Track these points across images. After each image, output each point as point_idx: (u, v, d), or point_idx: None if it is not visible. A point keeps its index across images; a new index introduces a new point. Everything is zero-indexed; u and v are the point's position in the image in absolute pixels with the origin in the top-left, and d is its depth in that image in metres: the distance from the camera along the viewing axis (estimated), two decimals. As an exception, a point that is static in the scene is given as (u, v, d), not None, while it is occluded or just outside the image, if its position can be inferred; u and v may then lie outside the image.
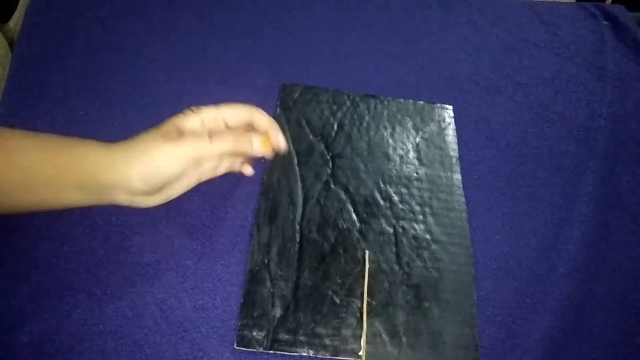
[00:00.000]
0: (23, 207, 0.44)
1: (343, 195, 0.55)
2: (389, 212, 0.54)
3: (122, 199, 0.41)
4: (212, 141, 0.40)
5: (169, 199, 0.44)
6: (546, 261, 0.54)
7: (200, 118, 0.42)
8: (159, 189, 0.42)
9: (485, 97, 0.67)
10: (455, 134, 0.62)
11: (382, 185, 0.56)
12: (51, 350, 0.42)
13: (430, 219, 0.54)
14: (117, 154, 0.40)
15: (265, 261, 0.49)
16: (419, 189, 0.56)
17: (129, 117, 0.56)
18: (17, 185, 0.40)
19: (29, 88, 0.57)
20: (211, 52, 0.64)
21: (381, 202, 0.55)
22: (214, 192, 0.53)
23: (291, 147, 0.57)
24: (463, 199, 0.56)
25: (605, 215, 0.58)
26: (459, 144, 0.61)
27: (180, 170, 0.40)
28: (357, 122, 0.61)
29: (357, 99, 0.63)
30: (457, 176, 0.58)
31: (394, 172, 0.57)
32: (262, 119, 0.45)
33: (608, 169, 0.62)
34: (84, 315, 0.44)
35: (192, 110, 0.42)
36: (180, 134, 0.41)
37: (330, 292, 0.48)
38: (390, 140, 0.60)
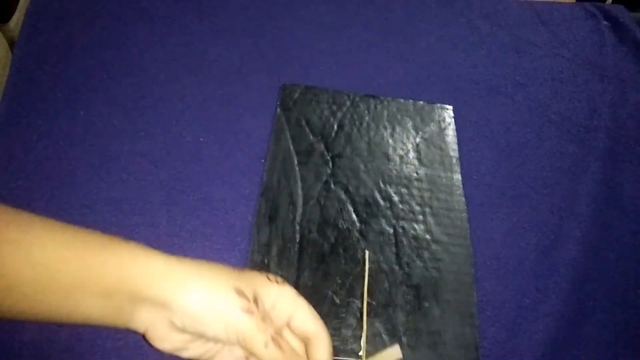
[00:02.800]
0: (29, 315, 0.35)
1: (343, 196, 0.55)
2: (389, 212, 0.54)
3: (144, 320, 0.35)
4: (268, 345, 0.34)
5: (173, 352, 0.36)
6: (546, 261, 0.54)
7: (276, 296, 0.36)
8: (184, 333, 0.35)
9: (485, 97, 0.67)
10: (455, 134, 0.62)
11: (382, 186, 0.56)
12: (51, 351, 0.42)
13: (430, 219, 0.54)
14: (177, 268, 0.34)
15: (265, 261, 0.49)
16: (419, 189, 0.56)
17: (129, 117, 0.56)
18: (32, 287, 0.33)
19: (29, 88, 0.57)
20: (211, 52, 0.64)
21: (381, 202, 0.55)
22: (214, 192, 0.53)
23: (291, 147, 0.57)
24: (463, 199, 0.56)
25: (605, 215, 0.59)
26: (459, 144, 0.61)
27: (222, 336, 0.34)
28: (357, 122, 0.61)
29: (357, 99, 0.63)
30: (457, 176, 0.58)
31: (394, 172, 0.57)
32: (320, 351, 0.37)
33: (608, 169, 0.62)
34: (84, 316, 0.44)
35: (277, 282, 0.37)
36: (254, 301, 0.35)
37: (330, 292, 0.48)
38: (390, 141, 0.60)
